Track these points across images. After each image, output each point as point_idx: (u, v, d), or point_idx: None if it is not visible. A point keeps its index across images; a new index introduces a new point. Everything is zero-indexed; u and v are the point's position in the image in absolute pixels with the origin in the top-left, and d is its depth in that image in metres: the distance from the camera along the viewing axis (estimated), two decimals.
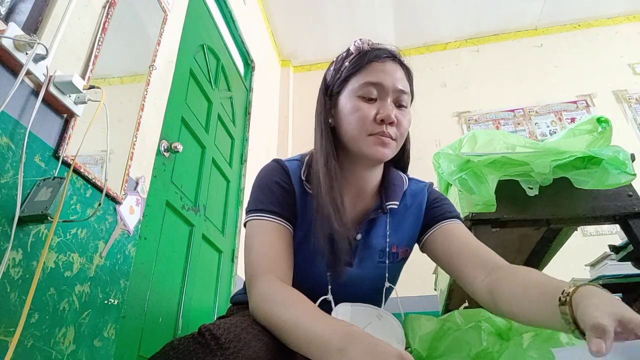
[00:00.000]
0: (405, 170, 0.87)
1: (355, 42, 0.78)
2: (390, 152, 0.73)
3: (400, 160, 0.85)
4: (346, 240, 0.71)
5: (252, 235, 0.71)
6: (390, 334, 0.67)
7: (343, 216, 0.71)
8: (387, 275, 0.77)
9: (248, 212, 0.75)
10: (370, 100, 0.73)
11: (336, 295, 0.71)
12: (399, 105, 0.74)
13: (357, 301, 0.71)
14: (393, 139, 0.72)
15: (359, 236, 0.77)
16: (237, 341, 0.51)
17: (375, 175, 0.80)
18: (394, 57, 0.77)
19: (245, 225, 0.75)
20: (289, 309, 0.57)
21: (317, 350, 0.51)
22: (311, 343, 0.52)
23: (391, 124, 0.71)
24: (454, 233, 0.77)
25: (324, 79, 0.83)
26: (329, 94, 0.80)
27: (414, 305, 2.58)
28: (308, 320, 0.54)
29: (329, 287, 0.72)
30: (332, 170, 0.73)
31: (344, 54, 0.79)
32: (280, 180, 0.76)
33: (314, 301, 0.63)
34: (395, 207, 0.79)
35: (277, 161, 0.80)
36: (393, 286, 0.80)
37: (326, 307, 0.67)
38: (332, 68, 0.82)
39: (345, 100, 0.75)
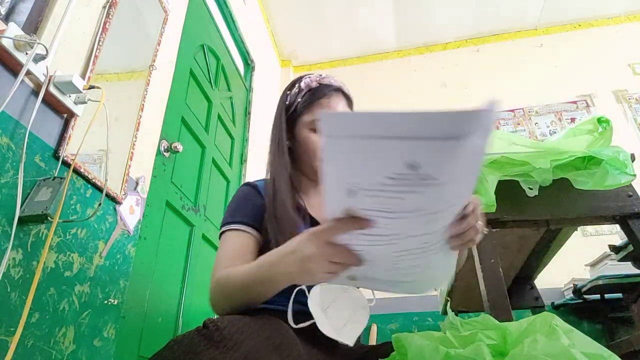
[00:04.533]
0: None
1: (304, 79, 0.92)
2: None
3: None
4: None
5: (218, 248, 0.83)
6: (356, 303, 0.78)
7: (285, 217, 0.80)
8: None
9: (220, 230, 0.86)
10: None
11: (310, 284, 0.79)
12: None
13: None
14: None
15: None
16: (239, 334, 0.53)
17: None
18: (337, 90, 0.91)
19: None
20: (227, 281, 0.70)
21: (279, 272, 0.61)
22: (257, 280, 0.65)
23: None
24: None
25: (283, 103, 0.94)
26: (287, 120, 0.93)
27: (414, 305, 2.59)
28: (245, 273, 0.67)
29: None
30: (278, 184, 0.84)
31: (297, 90, 0.92)
32: (247, 197, 0.88)
33: (290, 293, 0.72)
34: None
35: (245, 184, 0.93)
36: None
37: (302, 295, 0.75)
38: (287, 101, 0.93)
39: (300, 131, 0.89)
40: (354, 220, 0.44)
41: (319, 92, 0.89)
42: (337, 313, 0.75)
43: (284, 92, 0.95)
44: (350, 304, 0.78)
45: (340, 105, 0.90)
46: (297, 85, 0.92)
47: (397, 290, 0.61)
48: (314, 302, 0.73)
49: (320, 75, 0.92)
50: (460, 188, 0.41)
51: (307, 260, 0.52)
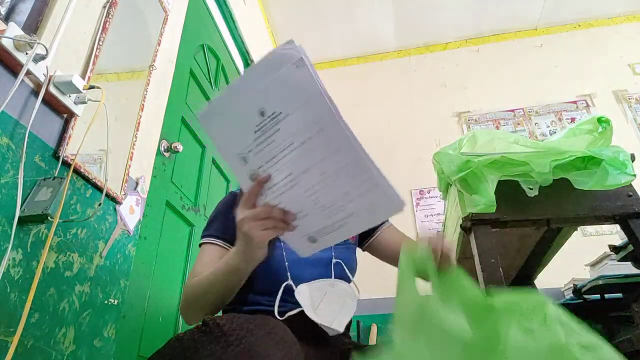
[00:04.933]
0: None
1: None
2: None
3: None
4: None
5: (196, 259, 0.87)
6: (344, 296, 0.83)
7: None
8: (332, 253, 0.90)
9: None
10: None
11: (295, 277, 0.83)
12: None
13: (313, 277, 0.84)
14: None
15: None
16: (240, 329, 0.54)
17: None
18: None
19: None
20: (197, 284, 0.76)
21: (227, 271, 0.70)
22: (221, 273, 0.71)
23: None
24: (393, 234, 1.01)
25: None
26: None
27: None
28: (211, 271, 0.74)
29: (288, 273, 0.83)
30: None
31: None
32: (225, 208, 0.91)
33: (278, 287, 0.79)
34: None
35: (230, 192, 0.97)
36: (340, 261, 0.90)
37: (289, 290, 0.80)
38: None
39: None
40: (256, 180, 0.55)
41: None
42: (328, 308, 0.79)
43: None
44: (339, 298, 0.82)
45: None
46: None
47: (358, 226, 0.59)
48: (303, 297, 0.78)
49: None
50: (311, 111, 0.50)
51: (240, 228, 0.59)
